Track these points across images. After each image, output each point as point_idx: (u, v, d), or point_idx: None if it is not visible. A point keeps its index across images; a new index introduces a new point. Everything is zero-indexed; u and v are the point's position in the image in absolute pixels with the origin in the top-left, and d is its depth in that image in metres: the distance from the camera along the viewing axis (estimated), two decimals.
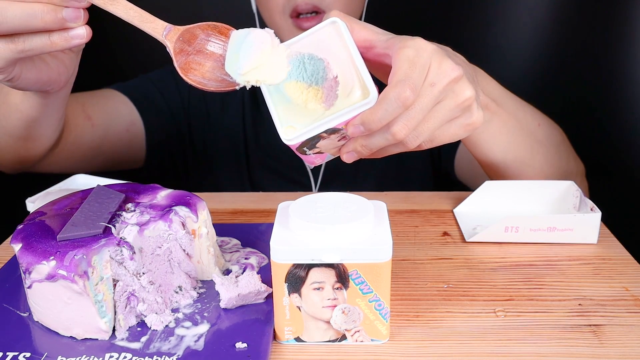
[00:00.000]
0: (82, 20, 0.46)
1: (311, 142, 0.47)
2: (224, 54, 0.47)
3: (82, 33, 0.46)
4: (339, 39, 0.47)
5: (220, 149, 0.93)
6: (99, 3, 0.46)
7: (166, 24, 0.47)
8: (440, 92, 0.46)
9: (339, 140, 0.48)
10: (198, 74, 0.47)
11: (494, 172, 0.67)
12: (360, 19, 0.86)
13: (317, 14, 0.77)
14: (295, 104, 0.47)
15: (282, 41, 0.47)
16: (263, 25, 0.85)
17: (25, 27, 0.45)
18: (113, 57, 1.01)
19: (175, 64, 0.47)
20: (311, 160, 0.51)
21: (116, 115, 0.83)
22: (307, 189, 0.91)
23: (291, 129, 0.46)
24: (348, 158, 0.48)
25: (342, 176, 0.91)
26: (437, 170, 0.91)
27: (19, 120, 0.62)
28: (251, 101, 0.93)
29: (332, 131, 0.46)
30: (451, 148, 0.84)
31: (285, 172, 0.92)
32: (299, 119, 0.46)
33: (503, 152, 0.64)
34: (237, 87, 0.47)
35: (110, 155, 0.83)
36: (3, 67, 0.48)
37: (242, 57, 0.46)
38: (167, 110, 0.89)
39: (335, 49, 0.47)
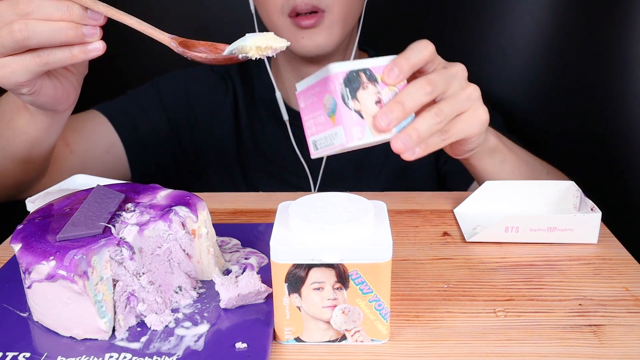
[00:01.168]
0: (98, 36, 0.53)
1: (351, 85, 0.52)
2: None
3: (98, 47, 0.53)
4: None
5: (212, 156, 0.92)
6: (114, 16, 0.53)
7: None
8: (452, 74, 0.56)
9: (376, 104, 0.53)
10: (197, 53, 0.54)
11: None
12: (359, 19, 0.86)
13: (315, 12, 0.77)
14: None
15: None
16: (261, 24, 0.84)
17: (51, 42, 0.51)
18: (116, 67, 1.01)
19: (175, 45, 0.54)
20: (350, 124, 0.52)
21: (95, 138, 0.83)
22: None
23: (334, 64, 0.51)
24: (385, 122, 0.52)
25: (342, 181, 0.90)
26: (442, 187, 0.92)
27: (24, 142, 0.66)
28: (248, 106, 0.93)
29: (369, 76, 0.52)
30: (459, 171, 0.82)
31: (285, 176, 0.91)
32: None
33: None
34: (240, 57, 0.54)
35: None
36: (29, 79, 0.53)
37: (248, 37, 0.52)
38: (149, 126, 0.89)
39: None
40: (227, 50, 0.54)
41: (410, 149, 0.53)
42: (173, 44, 0.54)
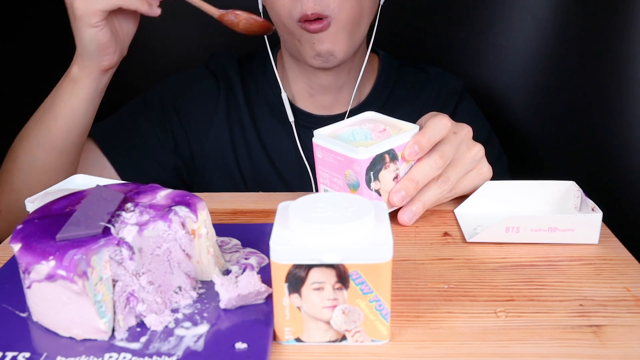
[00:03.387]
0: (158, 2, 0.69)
1: (376, 167, 0.56)
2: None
3: (157, 11, 0.69)
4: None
5: (211, 158, 0.92)
6: None
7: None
8: (461, 139, 0.62)
9: (394, 179, 0.59)
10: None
11: None
12: (373, 26, 0.86)
13: (322, 19, 0.77)
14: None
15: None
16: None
17: None
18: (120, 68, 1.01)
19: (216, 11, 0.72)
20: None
21: (86, 166, 0.84)
22: None
23: (362, 148, 0.56)
24: (398, 199, 0.59)
25: None
26: None
27: (64, 122, 0.74)
28: (250, 106, 0.92)
29: (392, 157, 0.58)
30: None
31: (287, 178, 0.90)
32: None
33: None
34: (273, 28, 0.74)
35: None
36: (106, 9, 0.66)
37: None
38: (142, 146, 0.89)
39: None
40: None
41: (414, 219, 0.61)
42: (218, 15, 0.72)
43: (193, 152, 0.92)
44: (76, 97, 0.73)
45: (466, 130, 0.63)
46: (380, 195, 0.58)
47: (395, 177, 0.59)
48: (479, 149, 0.64)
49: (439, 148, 0.60)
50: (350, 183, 0.57)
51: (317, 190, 0.92)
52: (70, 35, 0.70)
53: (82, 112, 0.74)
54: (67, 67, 0.73)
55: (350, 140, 0.58)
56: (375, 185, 0.57)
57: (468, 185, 0.64)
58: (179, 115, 0.91)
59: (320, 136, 0.59)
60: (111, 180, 0.60)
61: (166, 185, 0.52)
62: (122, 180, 0.86)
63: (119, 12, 0.70)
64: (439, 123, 0.60)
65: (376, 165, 0.56)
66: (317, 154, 0.60)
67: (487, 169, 0.65)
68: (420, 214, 0.61)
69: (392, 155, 0.58)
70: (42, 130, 0.75)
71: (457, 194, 0.64)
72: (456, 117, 0.91)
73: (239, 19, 0.71)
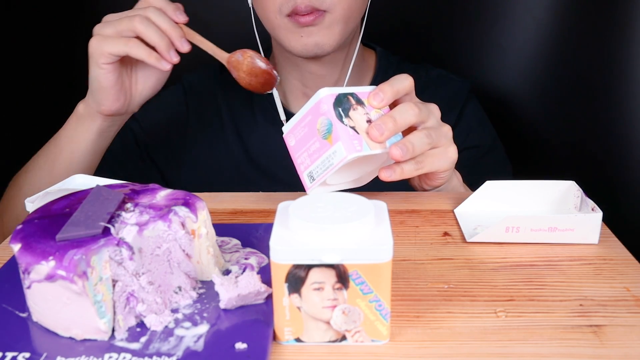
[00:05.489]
0: (174, 61, 0.70)
1: (343, 105, 0.56)
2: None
3: (167, 67, 0.70)
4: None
5: (207, 164, 0.92)
6: (201, 44, 0.72)
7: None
8: (430, 110, 0.62)
9: (367, 122, 0.57)
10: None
11: None
12: (362, 20, 0.85)
13: (313, 12, 0.76)
14: None
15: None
16: (259, 22, 0.84)
17: (149, 39, 0.68)
18: None
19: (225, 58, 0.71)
20: (348, 138, 0.56)
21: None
22: None
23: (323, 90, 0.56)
24: (378, 131, 0.57)
25: None
26: None
27: (66, 157, 0.76)
28: (241, 108, 0.92)
29: (356, 100, 0.57)
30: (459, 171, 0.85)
31: (278, 179, 0.90)
32: None
33: None
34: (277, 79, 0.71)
35: None
36: (116, 53, 0.68)
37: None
38: (130, 163, 0.90)
39: None
40: None
41: (404, 158, 0.58)
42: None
43: (180, 176, 0.93)
44: (79, 134, 0.75)
45: (434, 107, 0.63)
46: (357, 133, 0.57)
47: (369, 121, 0.58)
48: (448, 129, 0.64)
49: (410, 101, 0.60)
50: (324, 131, 0.56)
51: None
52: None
53: (83, 150, 0.75)
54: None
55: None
56: (348, 122, 0.56)
57: (435, 161, 0.62)
58: (149, 150, 0.92)
59: (287, 124, 0.60)
60: (111, 180, 0.60)
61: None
62: None
63: (138, 65, 0.73)
64: (401, 77, 0.60)
65: (342, 103, 0.57)
66: (290, 143, 0.59)
67: (453, 148, 0.64)
68: (410, 154, 0.58)
69: (357, 98, 0.58)
70: (47, 162, 0.77)
71: (425, 169, 0.61)
72: (462, 121, 0.91)
73: (245, 56, 0.70)
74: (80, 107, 0.75)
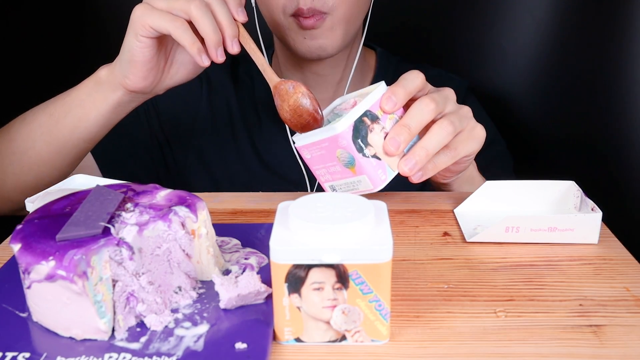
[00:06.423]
0: (218, 60, 0.61)
1: (361, 134, 0.54)
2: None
3: (207, 63, 0.61)
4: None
5: (207, 162, 0.92)
6: (247, 46, 0.64)
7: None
8: (446, 95, 0.59)
9: (384, 138, 0.55)
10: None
11: None
12: (365, 21, 0.86)
13: (316, 14, 0.76)
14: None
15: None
16: (262, 21, 0.84)
17: (201, 27, 0.59)
18: None
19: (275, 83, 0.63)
20: (372, 170, 0.55)
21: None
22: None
23: (337, 122, 0.54)
24: (394, 146, 0.55)
25: None
26: None
27: (81, 124, 0.70)
28: (245, 109, 0.92)
29: (371, 118, 0.54)
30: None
31: (281, 180, 0.90)
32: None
33: None
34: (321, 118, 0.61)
35: None
36: (158, 29, 0.60)
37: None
38: (131, 162, 0.89)
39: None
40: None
41: (418, 169, 0.56)
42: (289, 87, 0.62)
43: (177, 161, 0.92)
44: (94, 101, 0.68)
45: (449, 91, 0.60)
46: (380, 159, 0.55)
47: (386, 136, 0.56)
48: (468, 109, 0.61)
49: (426, 95, 0.57)
50: (345, 161, 0.55)
51: (318, 191, 0.92)
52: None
53: (92, 120, 0.69)
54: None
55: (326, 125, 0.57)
56: (369, 152, 0.55)
57: (467, 144, 0.60)
58: (161, 123, 0.91)
59: (299, 137, 0.58)
60: (111, 180, 0.60)
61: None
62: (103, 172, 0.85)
63: (178, 48, 0.67)
64: (412, 75, 0.58)
65: (360, 131, 0.54)
66: (305, 155, 0.59)
67: (480, 127, 0.61)
68: (423, 160, 0.56)
69: (371, 116, 0.55)
70: (50, 121, 0.70)
71: (460, 154, 0.59)
72: None
73: (296, 90, 0.61)
74: (103, 72, 0.67)
